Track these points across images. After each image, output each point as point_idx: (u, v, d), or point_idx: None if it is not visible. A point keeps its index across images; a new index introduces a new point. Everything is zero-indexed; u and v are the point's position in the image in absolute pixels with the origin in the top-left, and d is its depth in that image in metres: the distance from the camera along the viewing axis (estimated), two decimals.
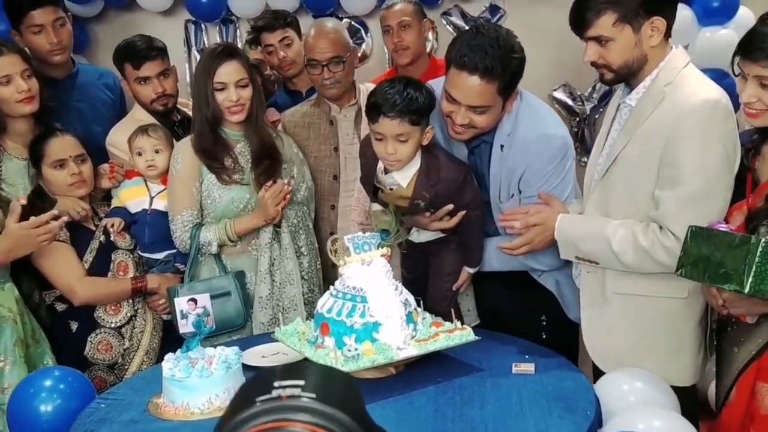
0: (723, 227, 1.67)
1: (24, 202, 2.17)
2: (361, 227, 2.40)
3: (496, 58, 1.96)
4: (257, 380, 0.66)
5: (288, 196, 2.40)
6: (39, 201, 2.19)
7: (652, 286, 1.93)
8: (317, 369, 0.68)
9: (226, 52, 2.39)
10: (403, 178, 2.10)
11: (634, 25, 1.84)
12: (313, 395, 0.63)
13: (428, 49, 3.35)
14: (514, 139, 2.10)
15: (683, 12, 3.21)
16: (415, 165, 2.09)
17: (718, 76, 2.96)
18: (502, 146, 2.12)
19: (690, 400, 1.95)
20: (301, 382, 0.64)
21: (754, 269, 1.54)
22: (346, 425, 0.62)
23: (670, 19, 1.89)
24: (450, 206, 2.14)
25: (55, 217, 2.19)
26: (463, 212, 2.15)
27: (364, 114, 2.60)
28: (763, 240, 1.55)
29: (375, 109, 2.05)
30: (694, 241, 1.69)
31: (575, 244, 2.00)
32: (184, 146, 2.44)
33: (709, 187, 1.81)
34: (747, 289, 1.56)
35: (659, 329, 1.96)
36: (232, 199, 2.43)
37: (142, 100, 2.70)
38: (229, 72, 2.35)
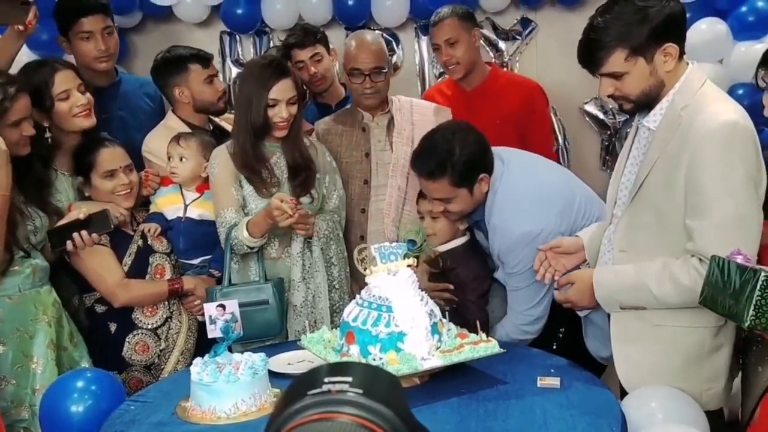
0: (740, 258, 1.62)
1: (83, 217, 2.22)
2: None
3: (436, 163, 2.25)
4: (308, 376, 0.71)
5: (298, 214, 2.31)
6: (96, 220, 2.25)
7: (691, 317, 1.88)
8: (364, 367, 0.73)
9: (281, 69, 2.44)
10: (442, 244, 2.44)
11: (647, 56, 1.82)
12: (360, 391, 0.67)
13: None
14: (489, 222, 2.32)
15: (718, 26, 3.18)
16: (459, 242, 2.43)
17: (753, 91, 2.92)
18: (487, 225, 2.34)
19: (717, 422, 1.92)
20: (349, 379, 0.69)
21: (753, 303, 1.51)
22: (390, 420, 0.66)
23: (682, 41, 1.85)
24: (449, 286, 2.42)
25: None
26: (454, 297, 2.42)
27: (396, 122, 2.72)
28: (763, 274, 1.51)
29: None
30: (713, 272, 1.66)
31: (616, 298, 1.96)
32: (220, 152, 2.50)
33: (740, 211, 1.77)
34: (747, 323, 1.53)
35: (695, 358, 1.91)
36: None
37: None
38: (282, 89, 2.41)
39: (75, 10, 2.81)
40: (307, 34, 3.09)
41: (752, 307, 1.52)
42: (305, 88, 3.14)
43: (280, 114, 2.41)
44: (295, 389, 0.70)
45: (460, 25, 2.96)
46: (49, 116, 2.41)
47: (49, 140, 2.41)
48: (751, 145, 1.79)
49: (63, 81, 2.43)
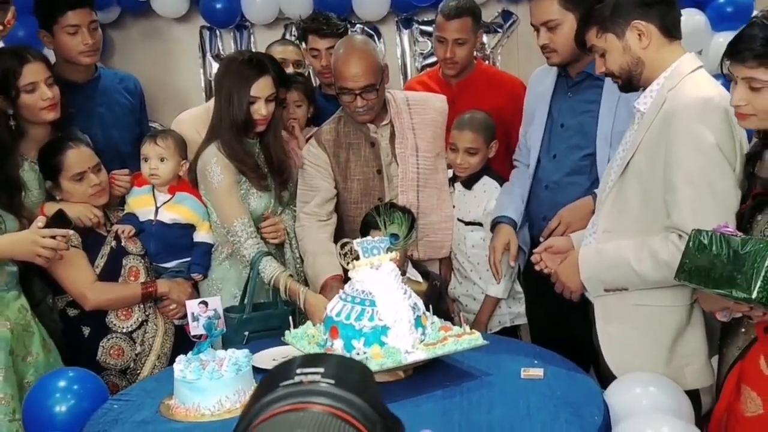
0: (729, 231, 1.61)
1: (41, 225, 2.15)
2: None
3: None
4: (281, 368, 0.73)
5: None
6: (55, 226, 2.17)
7: (669, 296, 1.91)
8: (336, 359, 0.74)
9: (261, 66, 2.43)
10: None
11: (617, 32, 1.93)
12: (332, 381, 0.68)
13: None
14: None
15: (696, 17, 3.20)
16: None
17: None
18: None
19: (694, 404, 1.94)
20: (321, 370, 0.70)
21: (763, 274, 1.47)
22: (361, 409, 0.67)
23: (659, 21, 1.91)
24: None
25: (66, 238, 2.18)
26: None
27: (396, 131, 2.58)
28: None
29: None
30: (696, 245, 1.64)
31: (599, 277, 1.98)
32: (215, 156, 2.43)
33: (714, 185, 1.79)
34: (755, 295, 1.49)
35: (675, 336, 1.95)
36: (265, 206, 2.50)
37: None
38: (262, 87, 2.41)
39: (63, 2, 2.76)
40: (329, 26, 3.01)
41: (761, 279, 1.48)
42: (311, 75, 3.12)
43: (260, 111, 2.41)
44: (267, 381, 0.71)
45: (473, 26, 2.85)
46: (14, 105, 2.38)
47: (13, 127, 2.37)
48: (724, 120, 1.80)
49: (31, 73, 2.39)
